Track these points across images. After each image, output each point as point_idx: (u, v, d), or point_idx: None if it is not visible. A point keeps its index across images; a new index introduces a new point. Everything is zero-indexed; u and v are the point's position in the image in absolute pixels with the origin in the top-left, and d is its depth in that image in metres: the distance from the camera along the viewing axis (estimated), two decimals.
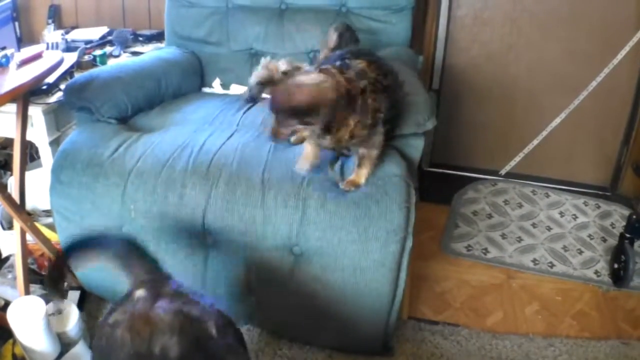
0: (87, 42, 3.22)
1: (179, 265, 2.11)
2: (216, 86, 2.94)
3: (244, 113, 2.49)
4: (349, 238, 1.96)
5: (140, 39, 3.37)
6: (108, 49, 3.19)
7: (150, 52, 2.94)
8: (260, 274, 2.08)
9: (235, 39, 2.93)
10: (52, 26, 3.51)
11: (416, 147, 2.22)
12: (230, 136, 2.27)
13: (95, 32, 3.35)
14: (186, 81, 2.84)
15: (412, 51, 2.81)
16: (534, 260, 2.81)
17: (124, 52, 3.22)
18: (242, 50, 2.94)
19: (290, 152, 2.16)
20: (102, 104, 2.34)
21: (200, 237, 2.07)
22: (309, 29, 2.81)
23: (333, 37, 2.13)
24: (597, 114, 3.29)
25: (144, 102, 2.55)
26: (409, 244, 2.01)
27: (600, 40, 3.13)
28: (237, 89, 2.90)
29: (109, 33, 3.37)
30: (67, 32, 3.35)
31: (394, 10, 2.81)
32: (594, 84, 3.20)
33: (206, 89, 2.96)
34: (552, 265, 2.78)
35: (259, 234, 2.01)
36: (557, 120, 3.34)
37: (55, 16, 3.56)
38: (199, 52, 2.98)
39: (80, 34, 3.35)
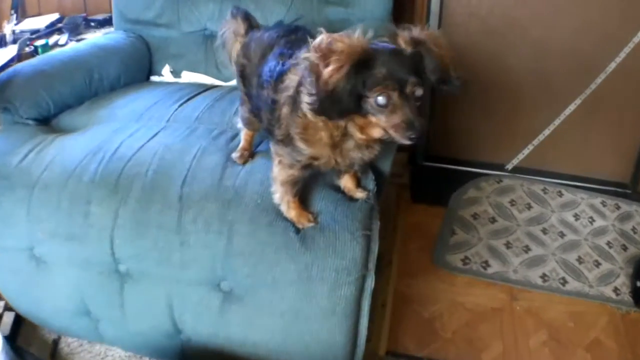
0: (34, 32, 2.84)
1: (95, 297, 1.74)
2: (166, 74, 2.47)
3: (180, 105, 2.00)
4: (286, 278, 1.48)
5: (92, 24, 2.93)
6: (57, 37, 2.80)
7: (88, 40, 2.52)
8: (185, 311, 1.65)
9: (187, 19, 2.45)
10: (14, 17, 3.11)
11: (386, 153, 1.67)
12: (154, 135, 1.79)
13: (45, 20, 2.95)
14: (129, 70, 2.37)
15: (393, 25, 2.22)
16: (543, 276, 2.31)
17: (72, 39, 2.78)
18: (194, 32, 2.46)
19: (220, 157, 1.68)
20: (20, 104, 1.99)
21: (111, 265, 1.65)
22: (270, 5, 2.33)
23: (241, 24, 1.67)
24: (616, 100, 2.81)
25: (72, 97, 2.14)
26: (370, 284, 1.50)
27: (620, 14, 2.65)
28: (188, 77, 2.43)
29: (59, 20, 2.96)
30: (18, 23, 2.99)
31: None
32: (612, 65, 2.72)
33: (155, 78, 2.49)
34: (564, 282, 2.28)
35: (177, 264, 1.58)
36: (571, 107, 2.86)
37: (19, 6, 3.18)
38: (147, 36, 2.52)
39: (29, 24, 2.95)
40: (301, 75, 1.23)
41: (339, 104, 1.16)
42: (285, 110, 1.33)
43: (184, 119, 1.90)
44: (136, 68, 2.43)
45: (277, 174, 1.44)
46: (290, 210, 1.47)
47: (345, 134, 1.28)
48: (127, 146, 1.74)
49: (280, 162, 1.42)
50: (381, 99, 1.15)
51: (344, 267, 1.43)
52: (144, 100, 2.06)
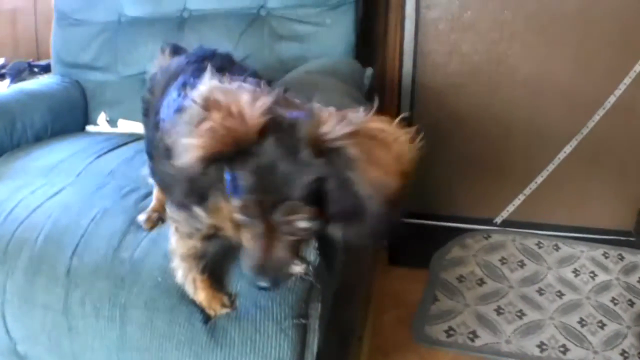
0: None
1: None
2: (101, 123, 2.18)
3: (98, 157, 1.70)
4: None
5: (36, 70, 2.68)
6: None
7: (16, 85, 2.27)
8: None
9: (125, 62, 2.19)
10: None
11: None
12: (57, 193, 1.47)
13: None
14: (58, 119, 2.09)
15: (357, 62, 2.01)
16: (541, 345, 2.00)
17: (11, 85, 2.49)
18: (132, 76, 2.19)
19: (122, 221, 1.33)
20: None
21: (9, 344, 1.33)
22: (217, 40, 2.03)
23: (168, 59, 1.36)
24: (617, 139, 2.58)
25: None
26: None
27: (618, 43, 2.42)
28: (125, 126, 2.13)
29: (3, 66, 2.73)
30: None
31: (328, 7, 2.01)
32: (612, 99, 2.49)
33: (90, 128, 2.20)
34: (565, 350, 1.98)
35: (68, 354, 1.24)
36: (567, 150, 2.61)
37: None
38: (83, 81, 2.25)
39: None
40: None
41: (182, 189, 0.83)
42: None
43: (95, 173, 1.58)
44: (68, 116, 2.14)
45: (175, 246, 1.08)
46: (198, 292, 1.10)
47: None
48: (25, 205, 1.42)
49: (177, 229, 1.06)
50: (240, 216, 0.82)
51: None
52: (61, 152, 1.76)
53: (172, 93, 1.07)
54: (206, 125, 0.77)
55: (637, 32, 2.38)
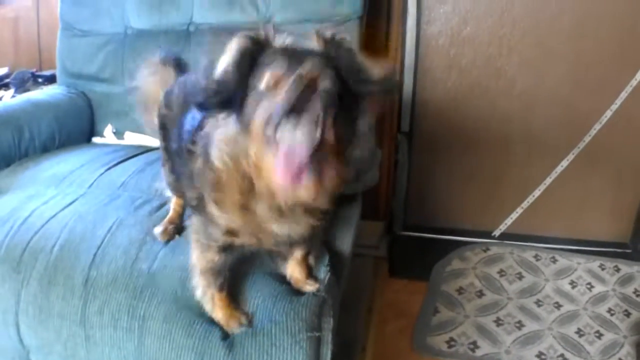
0: None
1: None
2: (108, 135, 2.15)
3: (108, 169, 1.69)
4: None
5: (40, 80, 2.65)
6: (2, 93, 2.54)
7: (22, 95, 2.25)
8: None
9: (132, 74, 2.11)
10: None
11: (344, 229, 1.37)
12: (71, 203, 1.48)
13: None
14: (65, 129, 2.07)
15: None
16: (540, 355, 1.98)
17: (16, 95, 2.49)
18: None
19: (138, 231, 1.34)
20: None
21: (22, 353, 1.33)
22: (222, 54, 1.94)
23: (172, 73, 1.39)
24: (613, 152, 2.54)
25: None
26: None
27: (615, 56, 2.39)
28: (132, 138, 2.11)
29: (7, 75, 2.72)
30: None
31: (335, 23, 1.99)
32: (608, 113, 2.46)
33: (97, 139, 2.17)
34: None
35: None
36: (564, 164, 2.58)
37: None
38: (89, 92, 2.22)
39: None
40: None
41: (223, 92, 0.89)
42: (199, 162, 1.00)
43: (107, 185, 1.58)
44: (74, 127, 2.12)
45: (196, 260, 1.10)
46: (216, 310, 1.12)
47: (252, 190, 0.93)
48: (38, 215, 1.42)
49: (197, 242, 1.07)
50: (267, 79, 0.86)
51: None
52: (70, 163, 1.75)
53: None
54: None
55: (632, 46, 2.36)
